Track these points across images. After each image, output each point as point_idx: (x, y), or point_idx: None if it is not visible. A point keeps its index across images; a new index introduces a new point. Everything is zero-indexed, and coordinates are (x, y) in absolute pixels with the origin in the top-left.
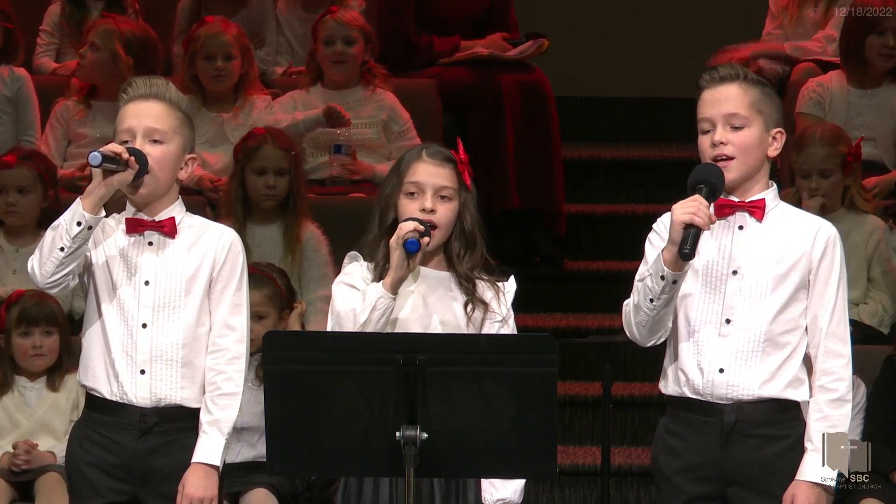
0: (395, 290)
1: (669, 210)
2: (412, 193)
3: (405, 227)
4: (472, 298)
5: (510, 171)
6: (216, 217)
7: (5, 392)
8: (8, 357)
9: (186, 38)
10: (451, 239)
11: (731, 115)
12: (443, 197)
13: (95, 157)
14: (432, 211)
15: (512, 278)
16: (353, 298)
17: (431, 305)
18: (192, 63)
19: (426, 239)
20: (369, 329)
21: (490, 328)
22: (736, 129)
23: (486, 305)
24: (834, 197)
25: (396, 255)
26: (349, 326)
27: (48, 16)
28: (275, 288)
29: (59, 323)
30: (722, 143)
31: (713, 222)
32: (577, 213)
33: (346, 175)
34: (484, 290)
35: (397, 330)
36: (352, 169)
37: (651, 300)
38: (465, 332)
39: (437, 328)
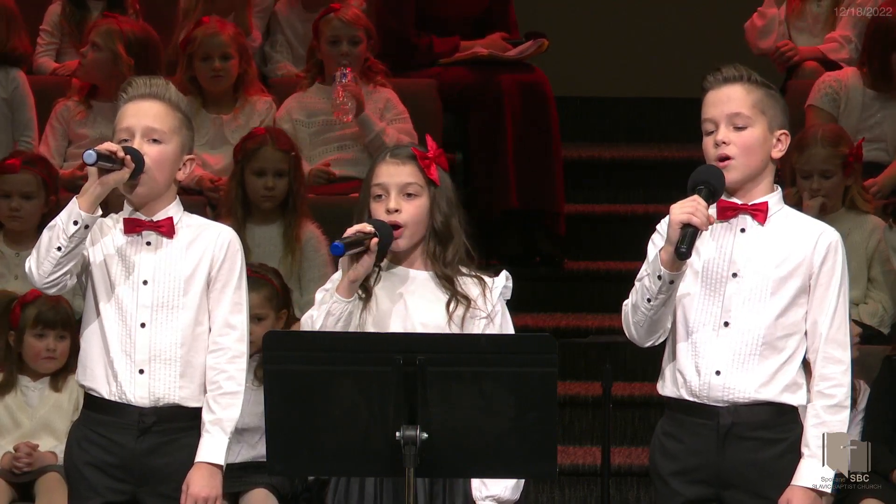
0: (347, 293)
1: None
2: (379, 196)
3: (347, 231)
4: (455, 296)
5: (510, 171)
6: (216, 217)
7: (8, 391)
8: (16, 356)
9: (184, 40)
10: (426, 237)
11: (733, 115)
12: (409, 195)
13: (90, 154)
14: (397, 211)
15: (503, 274)
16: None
17: (412, 306)
18: (190, 64)
19: (374, 241)
20: None
21: (475, 326)
22: (739, 129)
23: (469, 302)
24: (835, 197)
25: (342, 258)
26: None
27: (48, 15)
28: (272, 288)
29: (72, 327)
30: (724, 142)
31: (711, 223)
32: (577, 213)
33: (348, 95)
34: (468, 286)
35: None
36: (352, 90)
37: (648, 300)
38: (447, 331)
39: (417, 329)
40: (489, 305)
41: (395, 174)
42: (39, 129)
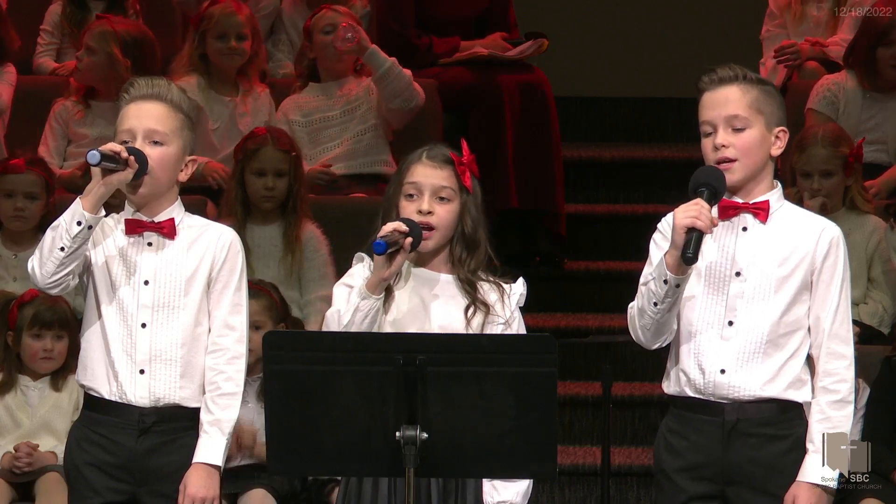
0: (377, 290)
1: (670, 210)
2: (411, 195)
3: (385, 229)
4: (474, 302)
5: (510, 171)
6: (217, 216)
7: (8, 391)
8: (15, 356)
9: (197, 16)
10: (452, 241)
11: (731, 117)
12: (442, 198)
13: (94, 155)
14: (429, 213)
15: (520, 280)
16: (344, 299)
17: (431, 308)
18: (203, 41)
19: (408, 240)
20: (353, 330)
21: (493, 332)
22: (737, 130)
23: (488, 308)
24: (835, 197)
25: (377, 256)
26: (334, 327)
27: (49, 15)
28: (271, 300)
29: (70, 327)
30: (724, 145)
31: (715, 225)
32: (577, 213)
33: (350, 39)
34: (488, 292)
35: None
36: (353, 35)
37: (655, 304)
38: None
39: (435, 331)
40: (507, 311)
41: (430, 176)
42: (39, 130)
